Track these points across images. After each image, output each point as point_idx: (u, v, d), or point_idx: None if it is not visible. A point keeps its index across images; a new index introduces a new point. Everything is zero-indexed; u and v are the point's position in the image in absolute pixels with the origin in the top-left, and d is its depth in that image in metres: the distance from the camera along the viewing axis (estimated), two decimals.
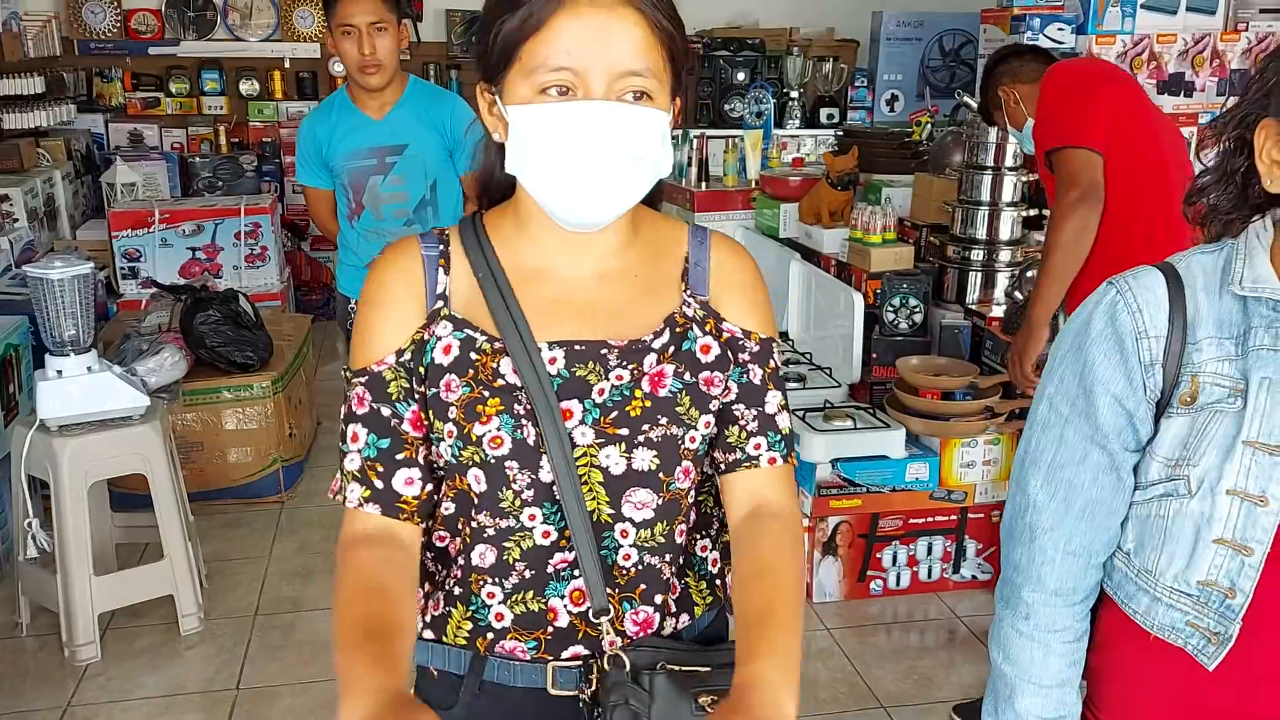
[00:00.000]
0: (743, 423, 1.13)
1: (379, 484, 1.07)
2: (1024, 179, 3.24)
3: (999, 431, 3.03)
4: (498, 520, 1.08)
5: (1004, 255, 3.24)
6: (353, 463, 1.08)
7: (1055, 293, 2.47)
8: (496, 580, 1.09)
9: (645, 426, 1.06)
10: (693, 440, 1.09)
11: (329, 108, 2.85)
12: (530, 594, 1.09)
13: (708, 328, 1.12)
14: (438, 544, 1.13)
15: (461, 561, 1.11)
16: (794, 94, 5.35)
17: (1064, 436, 1.10)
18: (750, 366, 1.12)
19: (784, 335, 3.77)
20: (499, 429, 1.04)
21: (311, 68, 5.97)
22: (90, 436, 2.70)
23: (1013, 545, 1.16)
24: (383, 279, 1.10)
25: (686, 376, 1.08)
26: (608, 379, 1.06)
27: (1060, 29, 4.05)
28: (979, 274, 3.28)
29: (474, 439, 1.04)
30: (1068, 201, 2.42)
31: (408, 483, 1.08)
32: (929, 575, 3.12)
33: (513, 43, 1.00)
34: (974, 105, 3.20)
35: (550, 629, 1.09)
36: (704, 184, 4.30)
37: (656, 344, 1.08)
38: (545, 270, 1.10)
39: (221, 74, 5.89)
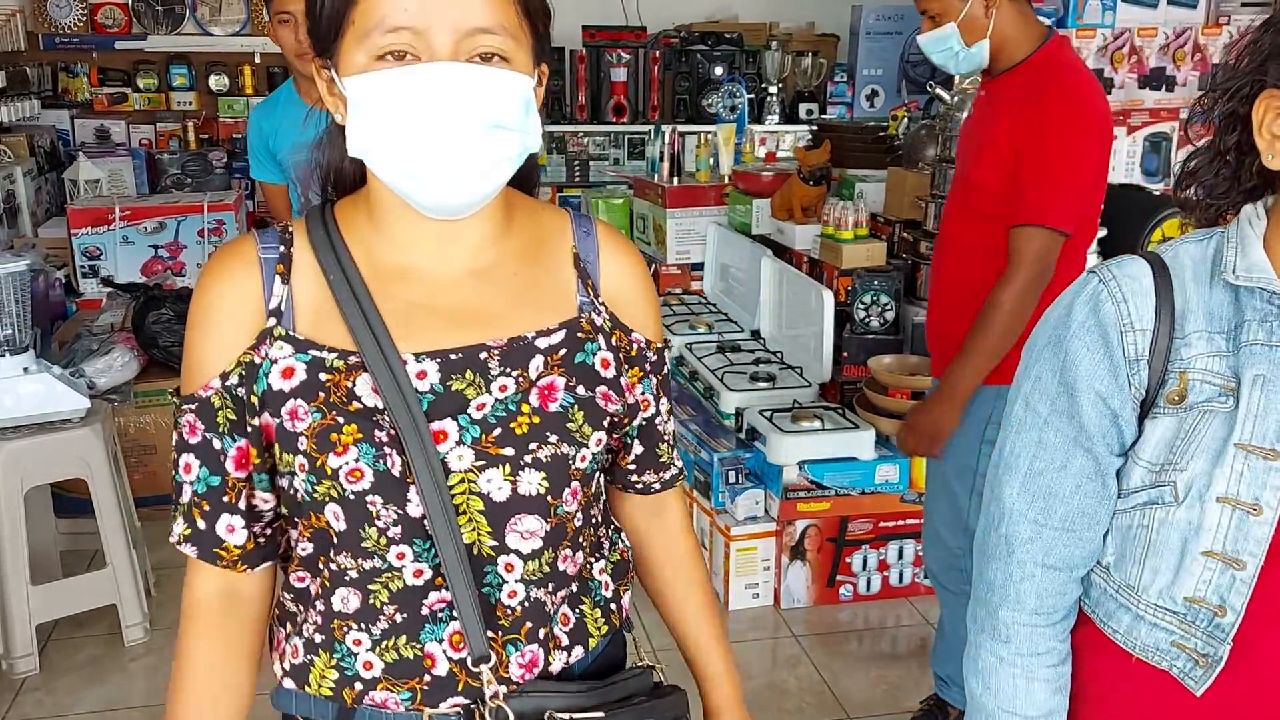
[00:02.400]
0: (668, 439, 1.12)
1: (202, 524, 0.97)
2: None
3: None
4: (361, 561, 0.95)
5: None
6: (184, 495, 0.97)
7: (987, 366, 2.07)
8: (362, 626, 0.96)
9: (533, 445, 0.94)
10: (584, 460, 0.98)
11: (275, 101, 2.77)
12: (403, 639, 0.96)
13: (615, 339, 1.02)
14: (297, 584, 1.01)
15: (321, 606, 0.98)
16: (773, 89, 5.27)
17: (1043, 439, 1.00)
18: (652, 377, 1.07)
19: (755, 334, 3.69)
20: (357, 460, 0.91)
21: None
22: (27, 440, 2.61)
23: (987, 561, 1.06)
24: (207, 291, 0.95)
25: (580, 390, 0.97)
26: (489, 391, 0.94)
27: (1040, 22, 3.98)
28: None
29: (329, 472, 0.91)
30: (1024, 281, 2.00)
31: (229, 530, 0.97)
32: (900, 580, 3.04)
33: (342, 4, 0.88)
34: (946, 98, 3.11)
35: (427, 677, 0.97)
36: (676, 179, 4.21)
37: (542, 343, 0.97)
38: (408, 269, 0.96)
39: (190, 69, 5.79)
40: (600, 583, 1.08)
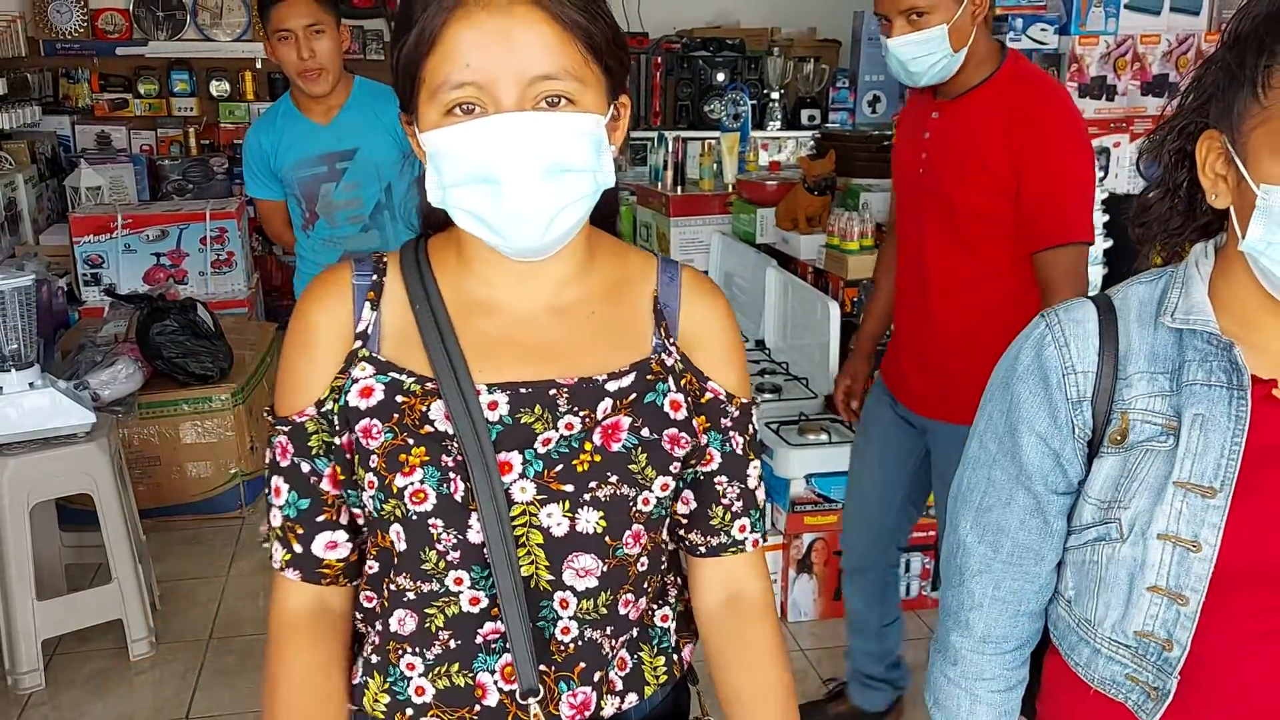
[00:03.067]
0: (726, 501, 1.05)
1: (299, 547, 1.00)
2: None
3: None
4: (419, 584, 0.96)
5: None
6: (275, 518, 1.01)
7: None
8: (416, 650, 0.98)
9: (593, 484, 0.94)
10: (646, 503, 0.97)
11: (273, 117, 2.75)
12: (455, 666, 0.97)
13: (685, 382, 1.01)
14: (365, 604, 1.03)
15: (379, 627, 1.00)
16: (775, 95, 5.27)
17: (991, 477, 1.05)
18: (732, 434, 1.04)
19: (760, 344, 3.68)
20: (422, 482, 0.93)
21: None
22: (33, 456, 2.60)
23: (944, 587, 1.11)
24: (308, 317, 0.99)
25: (645, 432, 0.97)
26: (555, 427, 0.95)
27: (1043, 29, 3.97)
28: None
29: (395, 491, 0.93)
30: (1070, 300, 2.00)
31: (329, 546, 1.00)
32: (907, 593, 3.03)
33: (413, 64, 0.90)
34: None
35: (478, 707, 0.97)
36: (680, 188, 4.21)
37: (612, 386, 0.97)
38: (490, 303, 0.99)
39: (191, 75, 5.77)
40: (662, 630, 1.06)
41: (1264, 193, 0.87)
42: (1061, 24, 3.93)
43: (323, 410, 0.97)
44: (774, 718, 1.05)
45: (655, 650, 1.05)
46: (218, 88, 5.81)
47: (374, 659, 1.00)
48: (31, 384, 2.60)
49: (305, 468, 0.98)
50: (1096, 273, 3.18)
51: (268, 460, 1.01)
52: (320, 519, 0.99)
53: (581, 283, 1.00)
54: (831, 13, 5.72)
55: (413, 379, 0.95)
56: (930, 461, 2.25)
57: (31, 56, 5.46)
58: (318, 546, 1.00)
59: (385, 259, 1.02)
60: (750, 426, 1.05)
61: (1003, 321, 1.97)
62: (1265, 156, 0.87)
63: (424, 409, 0.94)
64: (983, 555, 1.05)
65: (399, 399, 0.95)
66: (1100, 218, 3.19)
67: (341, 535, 1.00)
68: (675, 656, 1.08)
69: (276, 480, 0.99)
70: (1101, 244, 3.19)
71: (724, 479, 1.04)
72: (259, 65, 5.81)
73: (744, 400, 1.04)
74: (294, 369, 0.99)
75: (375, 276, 1.00)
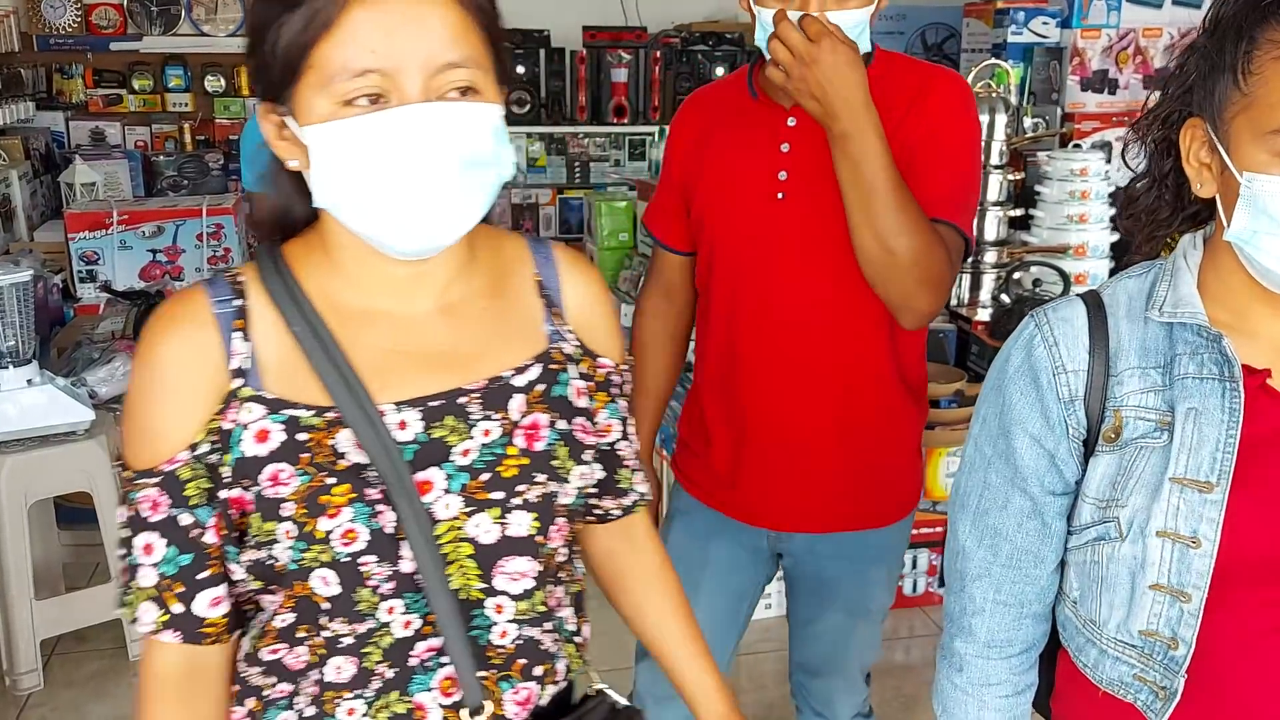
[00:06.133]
0: (629, 463, 1.08)
1: (179, 607, 0.90)
2: (1010, 178, 3.14)
3: None
4: (355, 625, 0.90)
5: (990, 256, 3.14)
6: (146, 578, 0.90)
7: (887, 198, 1.37)
8: (356, 693, 0.92)
9: (521, 487, 0.92)
10: (567, 495, 0.95)
11: None
12: (394, 695, 0.92)
13: (583, 366, 1.00)
14: (268, 657, 0.94)
15: (315, 676, 0.93)
16: None
17: (987, 480, 1.04)
18: (619, 400, 1.05)
19: None
20: (352, 520, 0.87)
21: None
22: (31, 453, 2.56)
23: (947, 593, 1.10)
24: (163, 355, 0.88)
25: (560, 425, 0.95)
26: (471, 436, 0.91)
27: (1045, 23, 3.97)
28: (964, 276, 3.17)
29: (320, 536, 0.86)
30: (950, 268, 1.44)
31: (214, 603, 0.91)
32: (914, 590, 3.02)
33: (299, 48, 0.82)
34: None
35: None
36: None
37: (519, 381, 0.94)
38: (373, 312, 0.92)
39: (186, 70, 5.74)
40: (565, 617, 1.04)
41: (1247, 180, 0.86)
42: (1063, 17, 3.93)
43: (198, 453, 0.88)
44: (684, 624, 1.14)
45: (565, 639, 1.03)
46: (212, 83, 5.77)
47: (309, 711, 0.93)
48: (29, 381, 2.56)
49: (185, 520, 0.88)
50: (1104, 266, 3.17)
51: (125, 518, 0.90)
52: (203, 575, 0.90)
53: (467, 278, 0.96)
54: None
55: (310, 412, 0.88)
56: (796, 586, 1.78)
57: (25, 52, 5.41)
58: (200, 605, 0.90)
59: (241, 277, 0.92)
60: (627, 386, 1.08)
61: (912, 378, 1.60)
62: (1247, 143, 0.86)
63: (331, 442, 0.87)
64: (982, 559, 1.04)
65: (301, 436, 0.87)
66: (1107, 211, 3.18)
67: (223, 590, 0.91)
68: (577, 639, 1.06)
69: (147, 537, 0.89)
70: (1109, 237, 3.17)
71: (624, 443, 1.07)
72: None
73: (624, 366, 1.06)
74: (153, 414, 0.88)
75: (237, 300, 0.90)
